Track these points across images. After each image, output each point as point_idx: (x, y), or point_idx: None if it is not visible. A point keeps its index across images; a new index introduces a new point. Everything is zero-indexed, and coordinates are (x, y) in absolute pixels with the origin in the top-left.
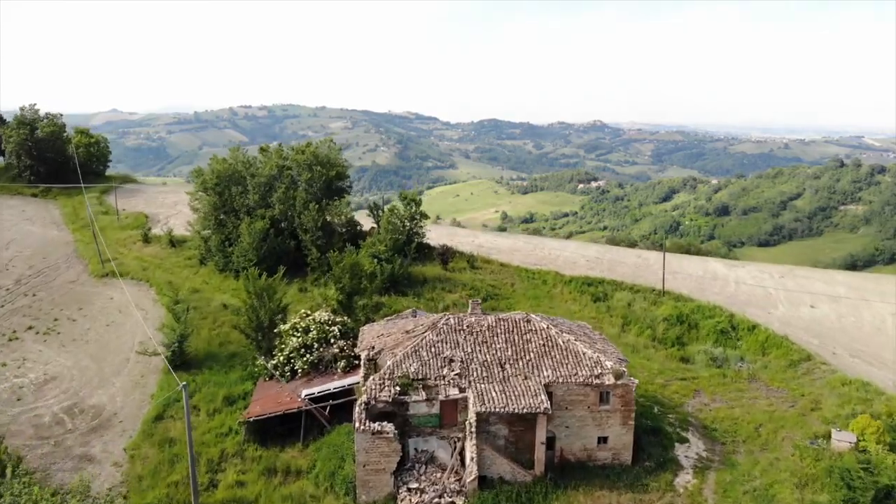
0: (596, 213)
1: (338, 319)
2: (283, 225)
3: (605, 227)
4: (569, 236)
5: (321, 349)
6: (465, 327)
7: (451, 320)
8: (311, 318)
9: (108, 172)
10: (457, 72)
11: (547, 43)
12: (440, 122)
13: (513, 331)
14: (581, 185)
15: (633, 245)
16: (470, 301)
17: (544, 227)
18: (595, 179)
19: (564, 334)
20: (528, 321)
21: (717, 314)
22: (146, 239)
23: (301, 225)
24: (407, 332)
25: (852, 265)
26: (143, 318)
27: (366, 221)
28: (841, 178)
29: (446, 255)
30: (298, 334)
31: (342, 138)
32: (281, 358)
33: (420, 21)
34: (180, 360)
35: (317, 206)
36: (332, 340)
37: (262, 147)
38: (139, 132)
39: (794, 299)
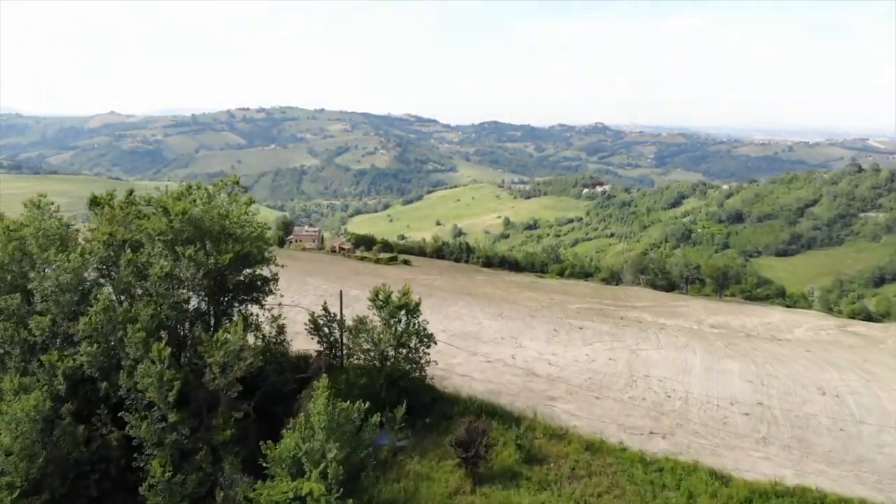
0: (602, 219)
1: None
2: (99, 392)
3: (611, 234)
4: (575, 244)
5: None
6: None
7: None
8: None
9: None
10: (457, 73)
11: (548, 44)
12: (440, 124)
13: None
14: (585, 190)
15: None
16: None
17: (549, 234)
18: (600, 184)
19: None
20: None
21: None
22: None
23: (133, 394)
24: None
25: (880, 279)
26: None
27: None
28: (859, 183)
29: (475, 443)
30: None
31: (341, 141)
32: None
33: (419, 22)
34: None
35: (168, 348)
36: None
37: (93, 198)
38: (136, 135)
39: None
